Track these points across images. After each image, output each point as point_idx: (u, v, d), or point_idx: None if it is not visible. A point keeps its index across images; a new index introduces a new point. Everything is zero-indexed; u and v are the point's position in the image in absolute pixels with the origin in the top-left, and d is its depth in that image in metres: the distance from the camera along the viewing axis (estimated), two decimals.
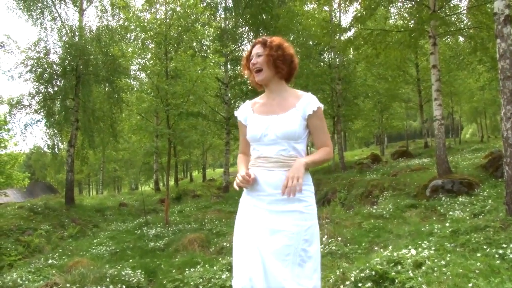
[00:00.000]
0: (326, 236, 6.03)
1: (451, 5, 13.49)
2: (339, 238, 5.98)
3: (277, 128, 2.28)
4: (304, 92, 2.42)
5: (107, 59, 16.52)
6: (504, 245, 4.52)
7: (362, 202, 11.02)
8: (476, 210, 6.93)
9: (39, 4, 17.13)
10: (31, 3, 16.94)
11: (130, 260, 7.34)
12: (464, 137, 49.13)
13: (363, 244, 5.93)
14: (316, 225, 2.35)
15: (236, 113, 2.59)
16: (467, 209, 7.22)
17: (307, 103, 2.33)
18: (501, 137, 5.96)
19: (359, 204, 10.87)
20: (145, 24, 11.87)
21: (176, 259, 6.76)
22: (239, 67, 22.36)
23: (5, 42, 15.69)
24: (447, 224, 6.05)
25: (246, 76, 2.65)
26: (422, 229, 6.21)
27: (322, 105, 2.38)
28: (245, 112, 2.53)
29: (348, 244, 5.89)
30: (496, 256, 4.24)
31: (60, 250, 9.29)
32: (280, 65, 2.37)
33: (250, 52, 2.48)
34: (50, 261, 7.67)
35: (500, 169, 9.17)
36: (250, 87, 21.48)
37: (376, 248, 5.72)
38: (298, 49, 21.09)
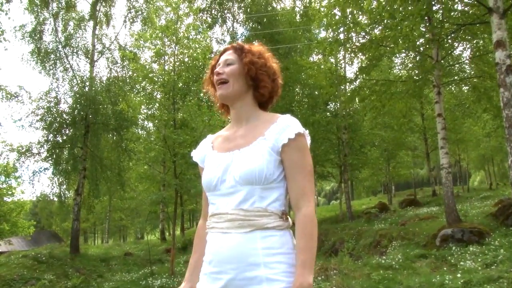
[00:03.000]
0: None
1: (454, 55, 13.76)
2: None
3: (236, 168, 1.55)
4: (282, 115, 1.64)
5: (116, 109, 16.85)
6: None
7: (370, 252, 10.83)
8: (488, 260, 6.78)
9: (52, 56, 17.69)
10: (45, 55, 17.49)
11: None
12: (472, 184, 48.64)
13: None
14: None
15: (192, 153, 1.85)
16: (479, 259, 7.07)
17: (281, 128, 1.56)
18: (510, 185, 5.93)
19: (368, 254, 10.68)
20: (153, 75, 12.20)
21: None
22: None
23: (18, 92, 16.08)
24: (459, 275, 5.92)
25: (207, 93, 1.87)
26: (433, 280, 6.07)
27: (305, 131, 1.60)
28: (203, 150, 1.78)
29: None
30: None
31: None
32: (264, 78, 1.66)
33: (218, 60, 1.75)
34: None
35: (511, 217, 9.04)
36: None
37: None
38: (304, 100, 21.47)
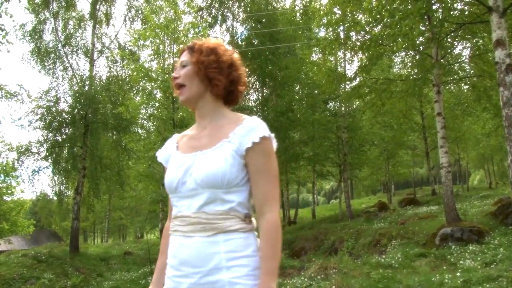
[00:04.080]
0: (334, 287, 5.90)
1: (453, 54, 13.76)
2: None
3: (198, 171, 1.50)
4: (249, 117, 1.59)
5: (115, 108, 16.85)
6: None
7: (370, 251, 10.83)
8: (487, 259, 6.78)
9: (52, 55, 17.68)
10: (45, 54, 17.49)
11: None
12: (472, 183, 48.71)
13: None
14: None
15: (157, 153, 1.79)
16: (478, 258, 7.08)
17: (247, 131, 1.52)
18: (510, 184, 5.93)
19: (367, 253, 10.68)
20: (152, 74, 12.19)
21: None
22: None
23: (17, 92, 16.07)
24: (458, 274, 5.92)
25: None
26: (433, 279, 6.07)
27: (271, 135, 1.55)
28: (168, 150, 1.72)
29: None
30: None
31: None
32: (215, 76, 1.59)
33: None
34: None
35: (511, 216, 9.04)
36: None
37: None
38: (304, 99, 21.47)
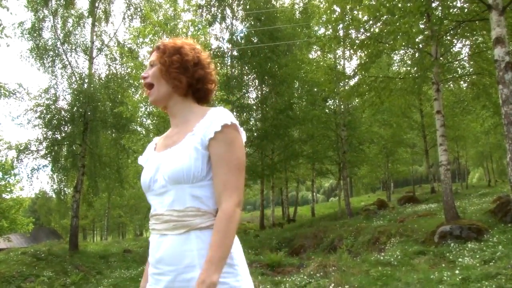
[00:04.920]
0: (333, 284, 5.91)
1: (453, 52, 13.76)
2: (347, 287, 5.87)
3: (164, 168, 1.51)
4: (213, 108, 1.60)
5: (114, 106, 16.83)
6: None
7: (369, 249, 10.84)
8: (486, 257, 6.79)
9: (51, 53, 17.65)
10: (44, 52, 17.45)
11: None
12: (471, 181, 48.73)
13: None
14: None
15: (138, 158, 1.82)
16: (477, 256, 7.09)
17: (210, 122, 1.50)
18: (508, 181, 5.94)
19: (366, 251, 10.69)
20: None
21: None
22: (245, 114, 22.66)
23: (16, 90, 16.04)
24: (457, 272, 5.93)
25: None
26: (432, 277, 6.08)
27: (234, 123, 1.52)
28: (147, 152, 1.76)
29: None
30: None
31: None
32: (176, 76, 1.58)
33: None
34: None
35: (509, 214, 9.06)
36: (256, 132, 21.71)
37: None
38: (304, 97, 21.47)
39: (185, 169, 1.45)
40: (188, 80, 1.60)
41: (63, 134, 17.36)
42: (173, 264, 1.46)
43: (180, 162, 1.47)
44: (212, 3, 22.08)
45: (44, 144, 17.16)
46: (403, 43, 10.05)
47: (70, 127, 17.28)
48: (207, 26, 17.81)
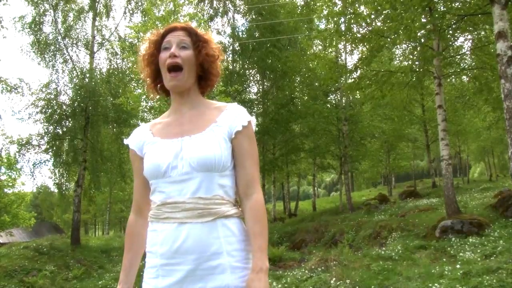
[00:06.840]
0: (334, 279, 5.92)
1: (455, 46, 13.71)
2: (348, 281, 5.88)
3: (191, 154, 1.48)
4: (227, 103, 1.64)
5: (116, 100, 16.83)
6: None
7: (370, 244, 10.86)
8: (487, 251, 6.80)
9: (52, 47, 17.62)
10: (45, 46, 17.43)
11: None
12: (472, 176, 48.70)
13: (372, 287, 5.81)
14: None
15: (126, 141, 1.69)
16: (478, 250, 7.09)
17: (234, 116, 1.56)
18: (510, 176, 5.93)
19: (368, 245, 10.70)
20: None
21: None
22: (246, 109, 22.62)
23: (18, 85, 16.02)
24: (458, 266, 5.94)
25: (142, 77, 1.76)
26: (433, 271, 6.09)
27: (253, 119, 1.62)
28: (141, 137, 1.65)
29: (357, 287, 5.77)
30: None
31: None
32: (213, 71, 1.63)
33: (163, 37, 1.63)
34: None
35: (511, 209, 9.06)
36: (258, 127, 21.66)
37: None
38: (305, 90, 21.40)
39: (217, 157, 1.47)
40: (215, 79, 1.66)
41: (65, 129, 17.36)
42: (197, 252, 1.44)
43: (212, 150, 1.47)
44: None
45: (46, 138, 17.17)
46: (405, 37, 10.00)
47: (71, 122, 17.27)
48: (209, 20, 17.75)
